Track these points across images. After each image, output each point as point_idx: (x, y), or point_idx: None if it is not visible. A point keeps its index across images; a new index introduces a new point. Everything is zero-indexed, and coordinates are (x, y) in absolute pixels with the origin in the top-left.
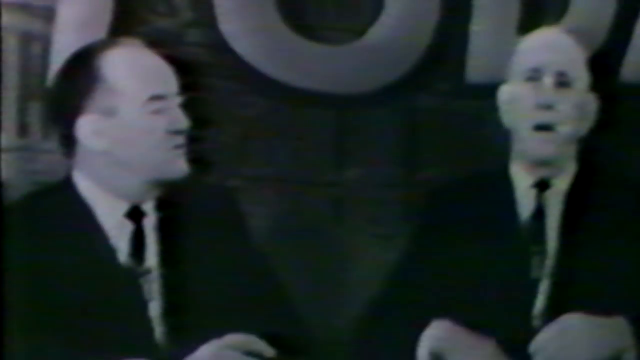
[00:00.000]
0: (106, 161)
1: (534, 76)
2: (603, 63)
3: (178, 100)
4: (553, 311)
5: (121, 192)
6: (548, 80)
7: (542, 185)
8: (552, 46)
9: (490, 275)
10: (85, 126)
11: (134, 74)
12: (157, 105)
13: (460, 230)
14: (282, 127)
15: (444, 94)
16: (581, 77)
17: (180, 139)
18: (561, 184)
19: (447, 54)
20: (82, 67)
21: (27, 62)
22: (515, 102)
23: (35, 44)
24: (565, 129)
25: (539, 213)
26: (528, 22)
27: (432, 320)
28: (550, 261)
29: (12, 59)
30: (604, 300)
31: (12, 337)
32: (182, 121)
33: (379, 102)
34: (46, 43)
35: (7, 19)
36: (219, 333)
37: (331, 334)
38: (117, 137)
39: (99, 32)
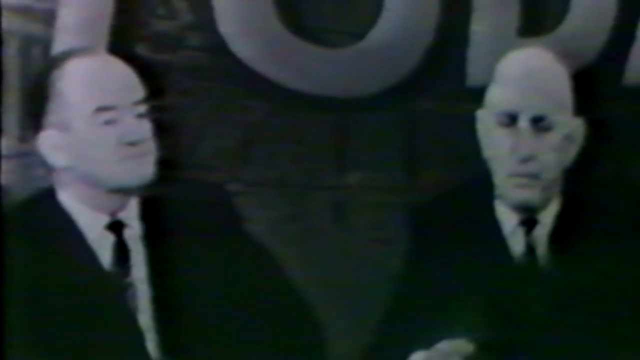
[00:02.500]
0: (71, 175)
1: (508, 122)
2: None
3: (135, 110)
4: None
5: (95, 204)
6: (525, 127)
7: (529, 223)
8: (528, 84)
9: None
10: (45, 141)
11: (81, 85)
12: (106, 116)
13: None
14: (283, 130)
15: (444, 97)
16: (563, 111)
17: (137, 150)
18: (548, 217)
19: (447, 57)
20: (43, 79)
21: (28, 66)
22: (490, 146)
23: (36, 47)
24: (548, 175)
25: (530, 250)
26: (528, 23)
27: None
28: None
29: (13, 62)
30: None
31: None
32: (136, 132)
33: (379, 105)
34: (47, 46)
35: (7, 22)
36: (211, 345)
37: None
38: (74, 152)
39: (100, 35)
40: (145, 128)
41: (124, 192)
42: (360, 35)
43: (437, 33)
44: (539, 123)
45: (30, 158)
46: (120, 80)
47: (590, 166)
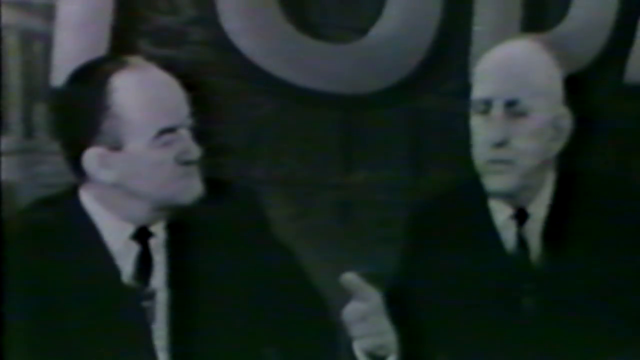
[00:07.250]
0: (115, 191)
1: (484, 109)
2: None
3: (188, 124)
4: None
5: (129, 217)
6: (498, 112)
7: (520, 216)
8: (503, 70)
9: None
10: (93, 159)
11: (143, 107)
12: (166, 138)
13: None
14: (288, 128)
15: (449, 94)
16: (543, 97)
17: (191, 168)
18: (539, 211)
19: (449, 54)
20: (89, 92)
21: (29, 61)
22: (472, 135)
23: (37, 43)
24: (525, 162)
25: (522, 244)
26: (531, 21)
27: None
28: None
29: (13, 58)
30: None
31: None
32: (193, 151)
33: (383, 102)
34: (48, 41)
35: (7, 17)
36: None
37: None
38: (126, 170)
39: (101, 30)
40: (196, 145)
41: (174, 209)
42: (363, 31)
43: (440, 30)
44: (512, 107)
45: (31, 155)
46: (175, 98)
47: (584, 161)
